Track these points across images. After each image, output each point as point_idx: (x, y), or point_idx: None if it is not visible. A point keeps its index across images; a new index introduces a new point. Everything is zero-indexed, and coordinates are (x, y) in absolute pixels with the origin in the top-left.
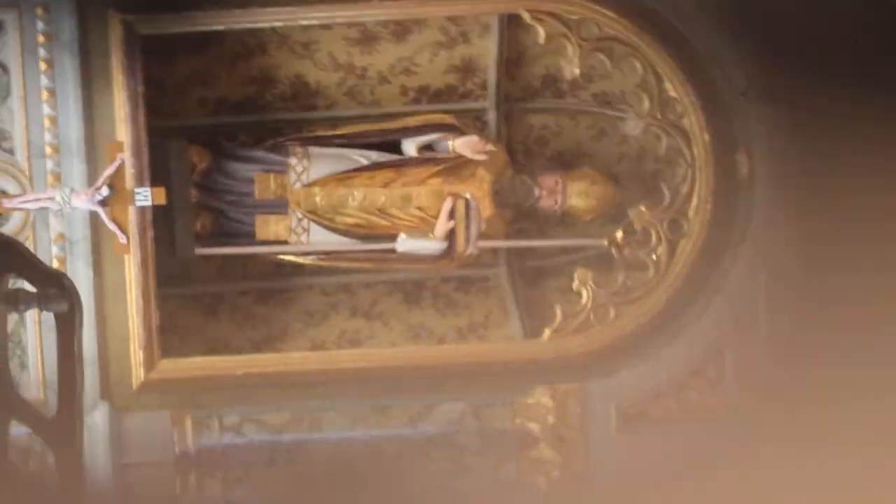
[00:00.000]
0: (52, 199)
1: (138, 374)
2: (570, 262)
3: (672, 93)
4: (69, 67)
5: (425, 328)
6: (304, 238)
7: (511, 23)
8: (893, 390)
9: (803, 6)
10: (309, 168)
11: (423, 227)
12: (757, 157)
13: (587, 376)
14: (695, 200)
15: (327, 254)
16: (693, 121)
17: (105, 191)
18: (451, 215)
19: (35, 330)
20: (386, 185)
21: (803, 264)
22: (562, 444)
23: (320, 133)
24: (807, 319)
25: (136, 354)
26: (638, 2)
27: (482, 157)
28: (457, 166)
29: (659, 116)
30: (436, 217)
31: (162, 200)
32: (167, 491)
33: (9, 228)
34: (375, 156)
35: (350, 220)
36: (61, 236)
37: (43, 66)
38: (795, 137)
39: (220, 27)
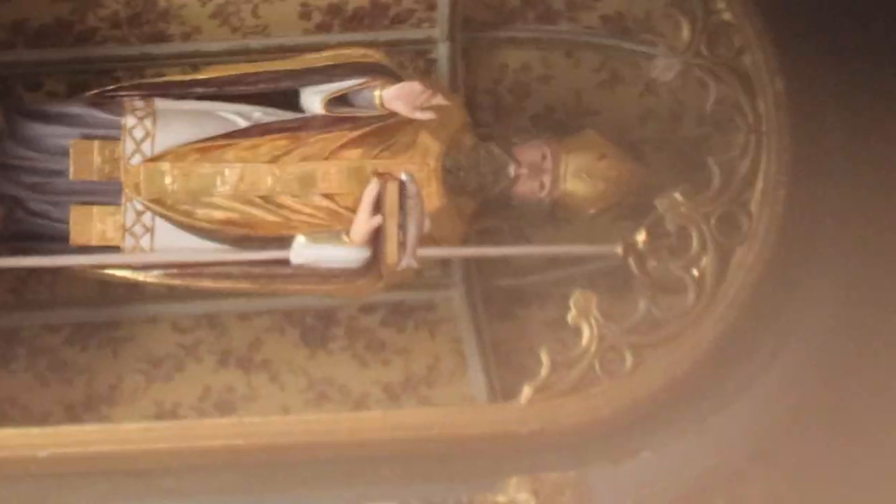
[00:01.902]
0: None
1: None
2: (563, 282)
3: (726, 15)
4: None
5: (336, 385)
6: (145, 242)
7: None
8: None
9: None
10: (154, 132)
11: (332, 226)
12: (858, 118)
13: (589, 460)
14: (760, 184)
15: (182, 267)
16: (759, 59)
17: None
18: (378, 207)
19: None
20: (275, 160)
21: None
22: None
23: (173, 78)
24: None
25: None
26: None
27: (426, 116)
28: (386, 130)
29: (705, 52)
30: (352, 210)
31: None
32: None
33: None
34: (259, 114)
35: (218, 215)
36: None
37: None
38: None
39: None
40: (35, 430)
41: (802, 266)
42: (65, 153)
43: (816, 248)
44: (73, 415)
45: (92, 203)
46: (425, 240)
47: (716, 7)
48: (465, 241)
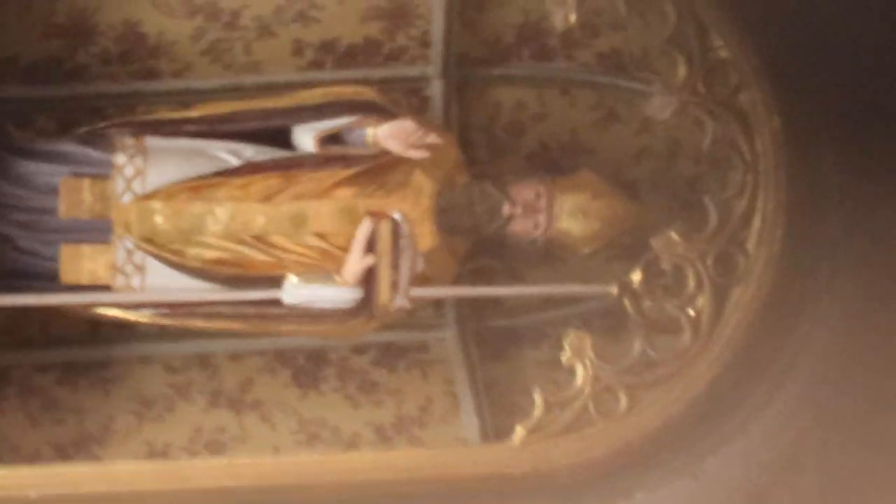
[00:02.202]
0: None
1: None
2: (557, 322)
3: (724, 52)
4: None
5: (327, 425)
6: (136, 282)
7: None
8: None
9: None
10: (145, 170)
11: (324, 266)
12: (854, 156)
13: (584, 501)
14: (757, 223)
15: (173, 307)
16: (756, 97)
17: None
18: (370, 247)
19: None
20: (267, 199)
21: None
22: None
23: (164, 115)
24: None
25: None
26: None
27: (420, 155)
28: (379, 169)
29: (702, 90)
30: (345, 249)
31: None
32: None
33: None
34: (250, 152)
35: (209, 254)
36: None
37: None
38: None
39: None
40: (25, 470)
41: (799, 306)
42: (55, 191)
43: (813, 288)
44: (63, 454)
45: (82, 241)
46: (418, 280)
47: (713, 45)
48: (458, 281)
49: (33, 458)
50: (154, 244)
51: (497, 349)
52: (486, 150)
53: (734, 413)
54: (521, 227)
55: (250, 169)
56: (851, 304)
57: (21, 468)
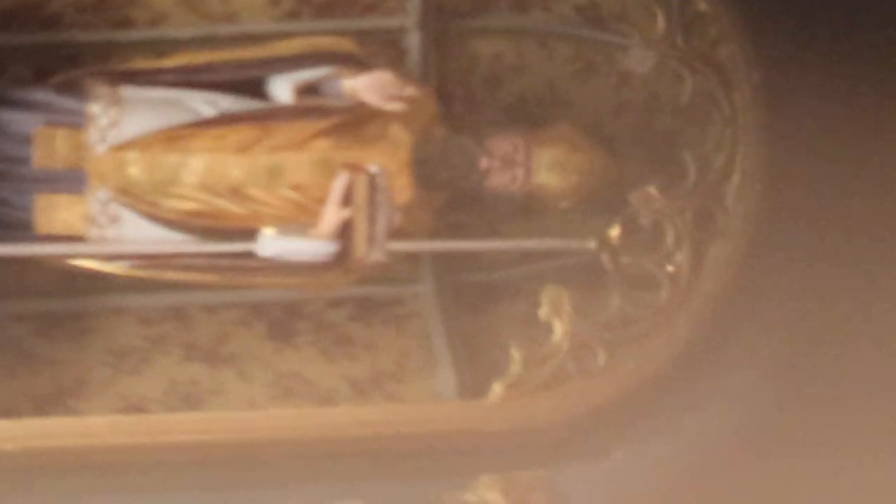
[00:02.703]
0: None
1: None
2: (534, 277)
3: (702, 5)
4: None
5: (303, 379)
6: (111, 232)
7: None
8: None
9: None
10: (120, 120)
11: (300, 218)
12: (836, 112)
13: (560, 459)
14: (736, 179)
15: (148, 258)
16: (735, 51)
17: None
18: (347, 200)
19: None
20: (243, 151)
21: None
22: None
23: (139, 65)
24: None
25: None
26: None
27: (397, 107)
28: (356, 121)
29: (681, 43)
30: (321, 202)
31: None
32: None
33: None
34: (226, 102)
35: (184, 206)
36: None
37: None
38: None
39: None
40: (2, 423)
41: (778, 261)
42: (28, 140)
43: (793, 243)
44: (39, 408)
45: (56, 191)
46: (394, 233)
47: None
48: (434, 235)
49: (10, 411)
50: (129, 195)
51: (474, 304)
52: (463, 102)
53: (713, 370)
54: (499, 180)
55: (226, 120)
56: (830, 260)
57: None
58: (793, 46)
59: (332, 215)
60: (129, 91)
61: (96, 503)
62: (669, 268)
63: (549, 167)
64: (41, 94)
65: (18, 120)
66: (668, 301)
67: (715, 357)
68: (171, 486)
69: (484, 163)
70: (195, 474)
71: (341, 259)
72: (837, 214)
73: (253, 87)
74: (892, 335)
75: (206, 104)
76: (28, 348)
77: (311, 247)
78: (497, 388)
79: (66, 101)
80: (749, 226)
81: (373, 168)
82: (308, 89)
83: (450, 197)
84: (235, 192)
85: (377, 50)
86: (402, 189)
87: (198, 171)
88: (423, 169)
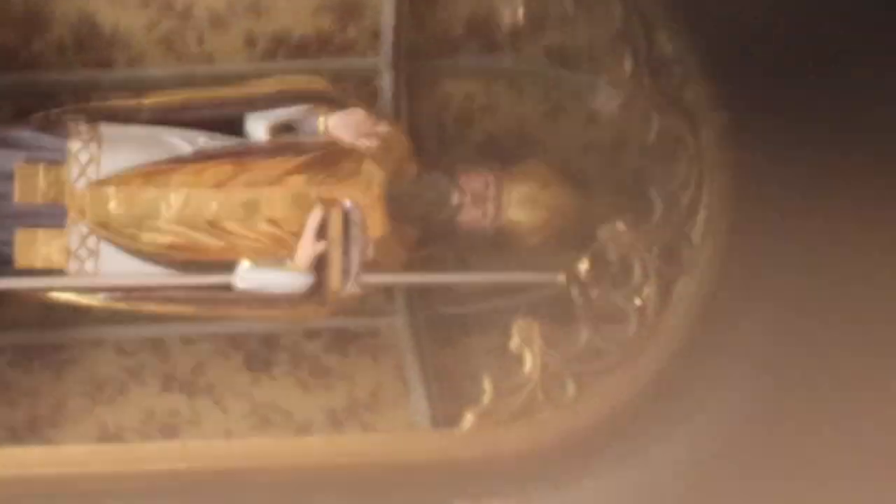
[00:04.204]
0: None
1: None
2: (506, 310)
3: (668, 48)
4: None
5: (279, 410)
6: (90, 266)
7: None
8: None
9: None
10: (100, 157)
11: (276, 252)
12: (802, 150)
13: (531, 487)
14: (702, 215)
15: (126, 291)
16: (701, 91)
17: None
18: (321, 233)
19: None
20: (220, 186)
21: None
22: None
23: (118, 103)
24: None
25: None
26: None
27: (370, 144)
28: (331, 157)
29: (647, 84)
30: (297, 235)
31: None
32: None
33: None
34: (203, 140)
35: (163, 240)
36: None
37: None
38: None
39: None
40: None
41: (745, 296)
42: (9, 176)
43: (759, 278)
44: (15, 436)
45: (37, 226)
46: (369, 266)
47: (658, 39)
48: (408, 268)
49: None
50: (108, 229)
51: (447, 336)
52: (435, 140)
53: (680, 402)
54: (471, 216)
55: (203, 156)
56: (794, 296)
57: None
58: (759, 88)
59: (307, 248)
60: (108, 128)
61: None
62: (637, 302)
63: (519, 203)
64: (22, 132)
65: (0, 156)
66: (636, 334)
67: (682, 389)
68: None
69: (456, 198)
70: (171, 503)
71: (317, 291)
72: (804, 250)
73: (229, 125)
74: (865, 370)
75: (183, 141)
76: (4, 379)
77: (288, 279)
78: (469, 418)
79: (46, 139)
80: (715, 261)
81: (347, 203)
82: (283, 127)
83: (423, 232)
84: (213, 226)
85: (350, 89)
86: (376, 223)
87: (176, 205)
88: (396, 204)
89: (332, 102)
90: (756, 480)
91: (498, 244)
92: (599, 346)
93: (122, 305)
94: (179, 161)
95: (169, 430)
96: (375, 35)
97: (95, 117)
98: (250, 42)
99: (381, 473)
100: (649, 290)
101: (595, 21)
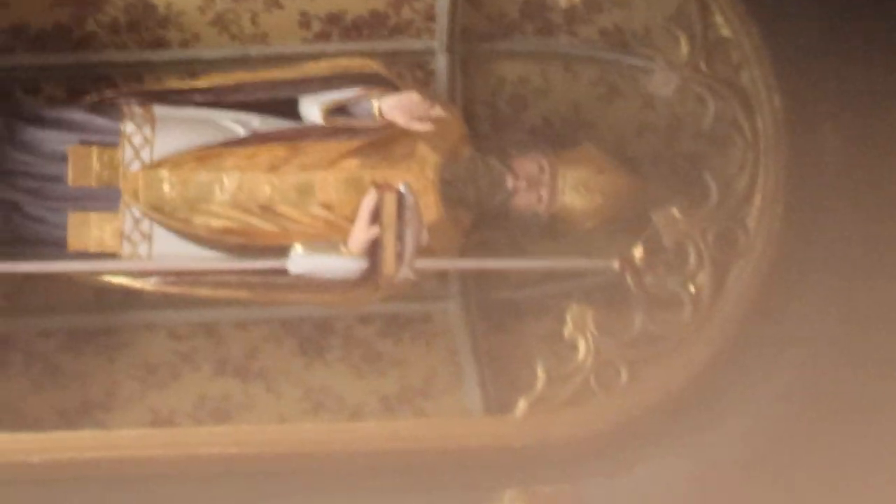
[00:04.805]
0: None
1: None
2: (560, 295)
3: (725, 31)
4: None
5: (332, 394)
6: (143, 249)
7: None
8: None
9: None
10: (153, 139)
11: (330, 236)
12: (857, 134)
13: (583, 474)
14: (757, 200)
15: (179, 275)
16: (757, 76)
17: None
18: (375, 218)
19: None
20: (273, 169)
21: None
22: None
23: (172, 85)
24: None
25: None
26: None
27: (424, 128)
28: (385, 141)
29: (704, 68)
30: (350, 220)
31: None
32: None
33: None
34: (257, 122)
35: (216, 223)
36: None
37: None
38: None
39: None
40: (28, 436)
41: (799, 282)
42: (63, 158)
43: (813, 264)
44: (67, 420)
45: (90, 209)
46: (422, 251)
47: (714, 22)
48: (462, 254)
49: (36, 424)
50: (161, 212)
51: (500, 321)
52: (489, 123)
53: (733, 389)
54: (525, 200)
55: (257, 139)
56: (853, 277)
57: (24, 434)
58: (814, 71)
59: (361, 233)
60: (161, 110)
61: None
62: (691, 288)
63: (573, 188)
64: (75, 114)
65: (53, 139)
66: (690, 320)
67: (735, 376)
68: (198, 500)
69: (510, 183)
70: (223, 488)
71: (370, 276)
72: (858, 234)
73: (283, 108)
74: None
75: (237, 124)
76: (56, 363)
77: (341, 264)
78: (522, 404)
79: (99, 121)
80: (770, 247)
81: (401, 186)
82: (337, 110)
83: (477, 216)
84: (266, 210)
85: (404, 71)
86: (430, 208)
87: (229, 188)
88: (451, 188)
89: (387, 85)
90: (810, 469)
91: (552, 229)
92: (653, 332)
93: (174, 290)
94: (233, 144)
95: (221, 415)
96: (430, 17)
97: (149, 99)
98: (304, 23)
99: (433, 459)
100: (704, 276)
101: (651, 4)
